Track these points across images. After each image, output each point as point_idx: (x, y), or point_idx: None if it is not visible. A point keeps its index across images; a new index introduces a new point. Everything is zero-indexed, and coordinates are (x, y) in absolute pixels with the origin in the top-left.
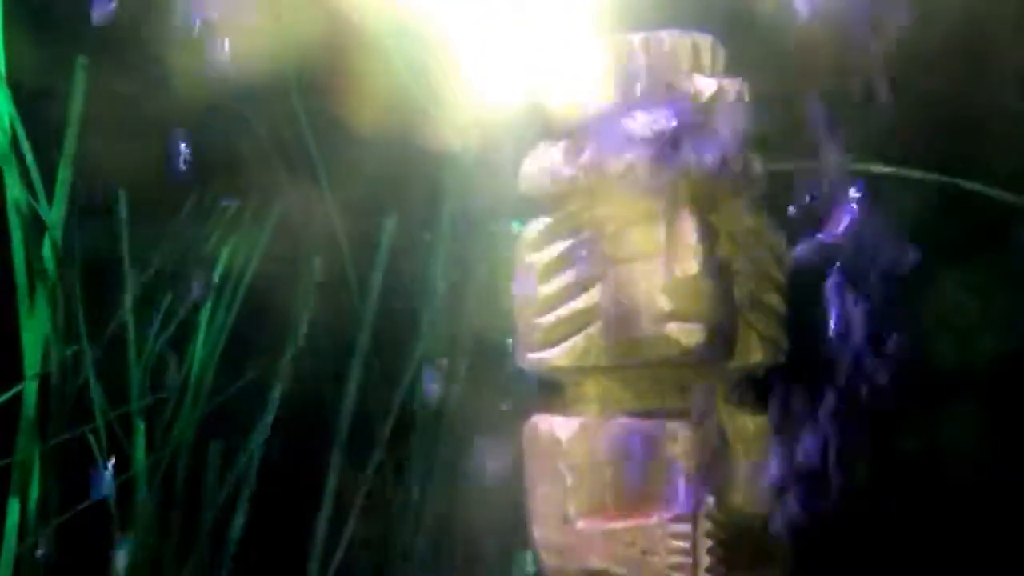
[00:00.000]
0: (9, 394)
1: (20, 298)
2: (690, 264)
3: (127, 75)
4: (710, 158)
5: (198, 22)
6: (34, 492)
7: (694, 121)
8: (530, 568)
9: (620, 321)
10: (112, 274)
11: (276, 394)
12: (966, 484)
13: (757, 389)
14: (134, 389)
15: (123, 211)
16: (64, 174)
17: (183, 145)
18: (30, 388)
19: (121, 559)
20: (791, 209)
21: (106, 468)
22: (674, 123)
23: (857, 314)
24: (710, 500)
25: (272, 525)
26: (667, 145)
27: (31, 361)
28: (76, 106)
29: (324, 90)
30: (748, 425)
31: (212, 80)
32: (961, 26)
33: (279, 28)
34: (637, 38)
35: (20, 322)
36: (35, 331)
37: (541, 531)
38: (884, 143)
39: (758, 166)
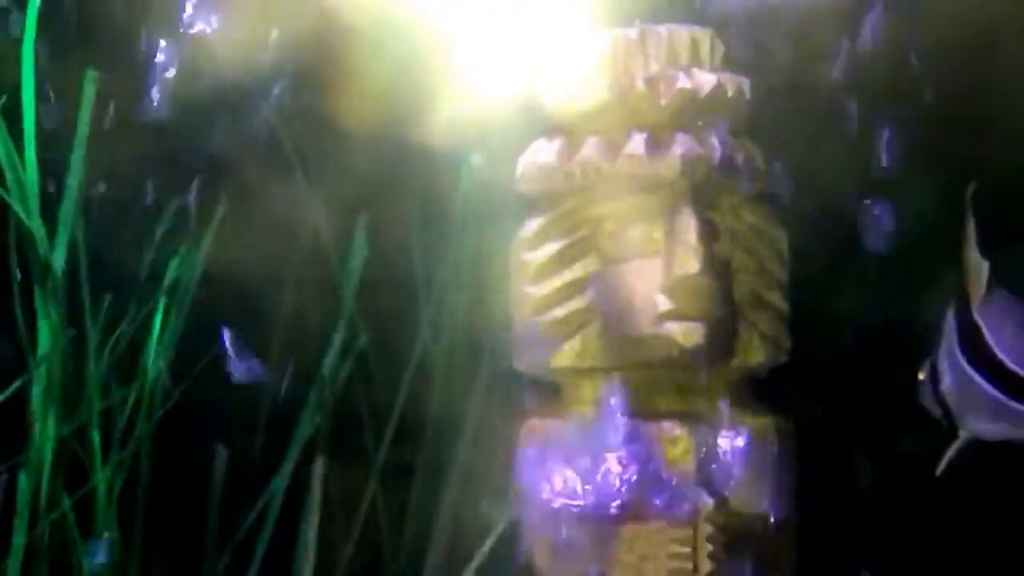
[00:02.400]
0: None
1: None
2: (690, 262)
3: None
4: (711, 154)
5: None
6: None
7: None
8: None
9: (618, 321)
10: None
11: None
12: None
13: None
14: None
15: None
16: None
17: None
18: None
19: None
20: None
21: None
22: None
23: None
24: (710, 503)
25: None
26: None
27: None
28: (84, 118)
29: (315, 86)
30: (749, 426)
31: (202, 76)
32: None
33: (270, 24)
34: (634, 33)
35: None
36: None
37: (538, 535)
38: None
39: (760, 162)
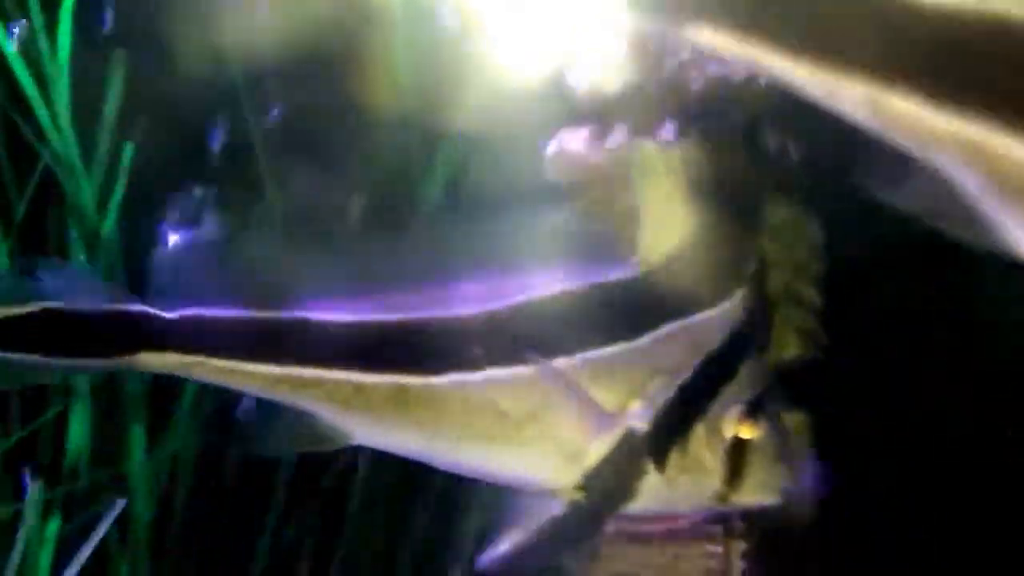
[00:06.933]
0: None
1: None
2: None
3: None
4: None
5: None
6: None
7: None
8: None
9: None
10: None
11: None
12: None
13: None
14: None
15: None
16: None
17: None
18: None
19: None
20: None
21: None
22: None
23: None
24: None
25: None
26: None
27: None
28: (113, 101)
29: (339, 71)
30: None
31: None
32: None
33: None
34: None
35: None
36: None
37: None
38: None
39: (792, 151)
